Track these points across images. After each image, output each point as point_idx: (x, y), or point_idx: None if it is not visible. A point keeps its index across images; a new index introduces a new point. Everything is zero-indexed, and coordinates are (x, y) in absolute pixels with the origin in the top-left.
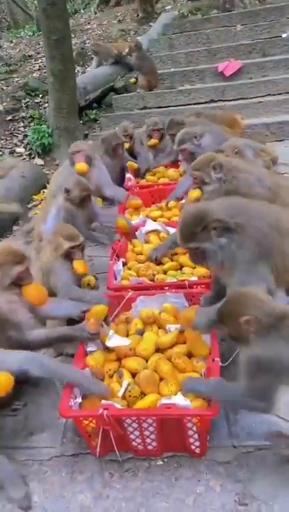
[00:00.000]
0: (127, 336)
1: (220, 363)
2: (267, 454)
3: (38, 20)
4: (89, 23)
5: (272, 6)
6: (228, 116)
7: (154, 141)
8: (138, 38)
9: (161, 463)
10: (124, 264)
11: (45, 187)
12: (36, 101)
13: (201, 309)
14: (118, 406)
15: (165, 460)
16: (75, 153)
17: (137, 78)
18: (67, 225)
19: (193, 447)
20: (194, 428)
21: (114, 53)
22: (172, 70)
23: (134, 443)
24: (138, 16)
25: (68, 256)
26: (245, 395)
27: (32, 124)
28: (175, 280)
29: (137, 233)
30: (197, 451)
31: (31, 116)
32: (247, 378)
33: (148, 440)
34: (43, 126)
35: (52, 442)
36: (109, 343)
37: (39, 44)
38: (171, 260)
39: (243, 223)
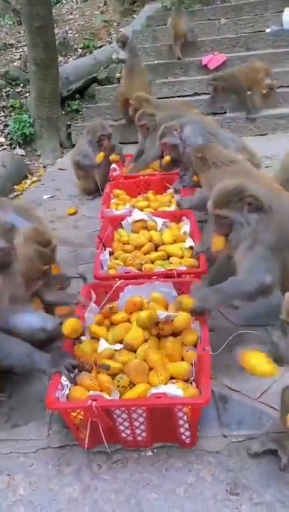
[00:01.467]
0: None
1: (210, 352)
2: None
3: (16, 10)
4: (71, 13)
5: (257, 1)
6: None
7: (167, 158)
8: (121, 29)
9: (150, 454)
10: (111, 253)
11: (26, 177)
12: (17, 90)
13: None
14: (107, 397)
15: (155, 451)
16: None
17: (120, 71)
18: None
19: (183, 437)
20: (185, 417)
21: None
22: (156, 62)
23: (123, 434)
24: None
25: None
26: None
27: (13, 113)
28: (163, 269)
29: (123, 223)
30: (187, 441)
31: (12, 106)
32: None
33: (138, 431)
34: (24, 115)
35: (37, 434)
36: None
37: (20, 33)
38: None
39: (275, 208)
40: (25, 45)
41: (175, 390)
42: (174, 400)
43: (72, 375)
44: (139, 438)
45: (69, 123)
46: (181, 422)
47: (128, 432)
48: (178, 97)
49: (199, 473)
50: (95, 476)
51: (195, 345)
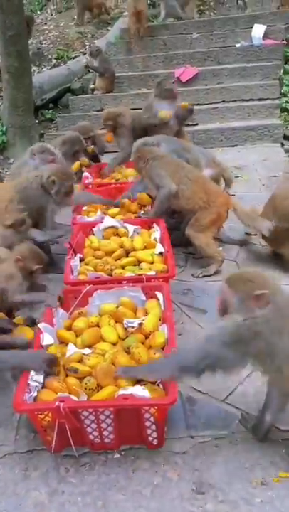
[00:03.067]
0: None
1: None
2: (223, 443)
3: None
4: (45, 23)
5: (227, 18)
6: None
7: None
8: (95, 41)
9: (118, 456)
10: (82, 259)
11: None
12: None
13: None
14: (75, 398)
15: (122, 453)
16: None
17: (94, 82)
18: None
19: (150, 439)
20: (152, 419)
21: None
22: (130, 73)
23: (90, 436)
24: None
25: None
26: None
27: None
28: (133, 275)
29: (94, 229)
30: (154, 442)
31: None
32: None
33: (105, 433)
34: None
35: (4, 440)
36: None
37: None
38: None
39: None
40: None
41: (142, 391)
42: (141, 401)
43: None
44: (106, 440)
45: (42, 132)
46: (148, 424)
47: (96, 434)
48: None
49: (166, 474)
50: (62, 480)
51: (163, 348)
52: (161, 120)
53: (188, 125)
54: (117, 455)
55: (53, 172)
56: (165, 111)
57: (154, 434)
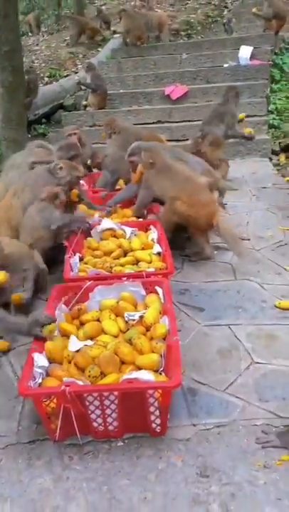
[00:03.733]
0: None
1: (180, 341)
2: (225, 431)
3: None
4: (37, 44)
5: (215, 39)
6: (153, 136)
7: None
8: (87, 60)
9: (121, 444)
10: (81, 259)
11: None
12: None
13: None
14: (80, 383)
15: (126, 441)
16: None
17: (87, 98)
18: None
19: (154, 425)
20: (156, 403)
21: None
22: (121, 91)
23: (94, 424)
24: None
25: None
26: None
27: None
28: (132, 271)
29: (92, 232)
30: (158, 429)
31: None
32: None
33: (109, 419)
34: None
35: (7, 431)
36: (71, 348)
37: None
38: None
39: None
40: None
41: (147, 375)
42: (145, 384)
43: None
44: (110, 427)
45: None
46: (152, 409)
47: (100, 421)
48: (142, 124)
49: (170, 460)
50: (66, 467)
51: (164, 339)
52: None
53: (178, 141)
54: (120, 443)
55: (61, 161)
56: None
57: (158, 421)
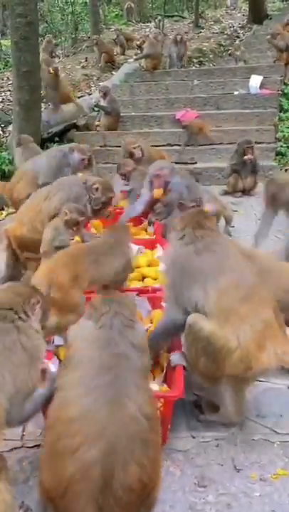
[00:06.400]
0: None
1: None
2: (223, 443)
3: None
4: None
5: (226, 68)
6: (157, 153)
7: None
8: (100, 83)
9: None
10: None
11: (2, 209)
12: None
13: None
14: None
15: None
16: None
17: (99, 119)
18: None
19: None
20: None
21: None
22: (133, 113)
23: None
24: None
25: None
26: None
27: None
28: (138, 286)
29: None
30: None
31: None
32: None
33: None
34: (3, 153)
35: (12, 436)
36: None
37: (3, 79)
38: None
39: None
40: (8, 89)
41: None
42: None
43: None
44: None
45: None
46: None
47: None
48: (152, 146)
49: (169, 469)
50: None
51: (169, 352)
52: None
53: (186, 163)
54: None
55: (98, 181)
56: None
57: None
